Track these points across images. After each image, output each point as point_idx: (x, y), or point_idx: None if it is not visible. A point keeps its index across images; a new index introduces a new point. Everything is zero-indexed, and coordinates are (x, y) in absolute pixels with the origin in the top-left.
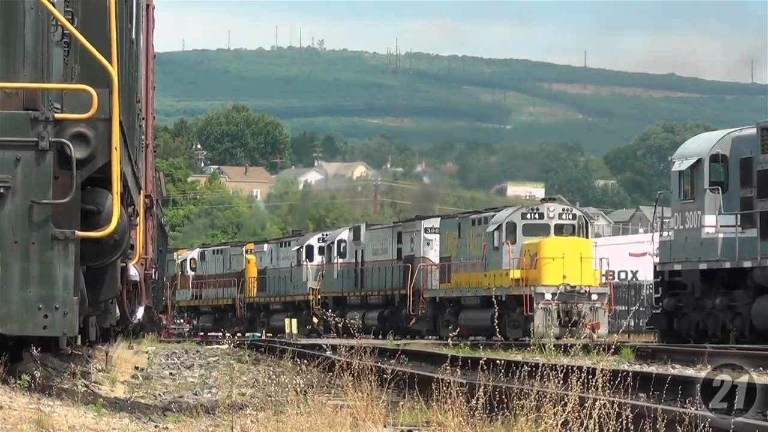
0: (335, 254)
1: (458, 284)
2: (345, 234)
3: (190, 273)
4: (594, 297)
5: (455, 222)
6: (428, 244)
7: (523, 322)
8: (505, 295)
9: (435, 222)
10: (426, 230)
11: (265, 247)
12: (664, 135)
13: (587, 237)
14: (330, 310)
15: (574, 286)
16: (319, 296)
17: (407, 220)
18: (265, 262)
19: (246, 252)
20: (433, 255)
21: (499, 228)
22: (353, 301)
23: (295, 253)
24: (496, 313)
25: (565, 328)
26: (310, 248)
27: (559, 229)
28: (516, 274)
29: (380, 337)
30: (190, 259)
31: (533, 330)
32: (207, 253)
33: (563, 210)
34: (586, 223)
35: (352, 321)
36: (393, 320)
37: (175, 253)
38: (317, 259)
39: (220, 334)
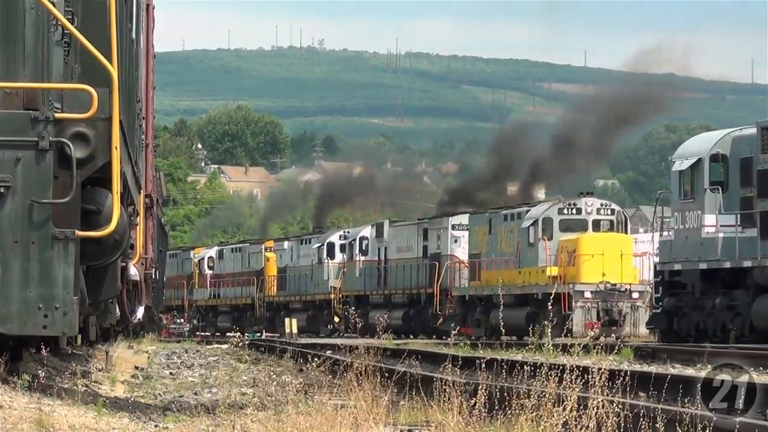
0: (357, 252)
1: (489, 282)
2: (367, 231)
3: (208, 272)
4: (635, 295)
5: (485, 218)
6: (456, 241)
7: (560, 321)
8: (541, 293)
9: (463, 218)
10: (453, 227)
11: (286, 244)
12: (666, 135)
13: (626, 233)
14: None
15: (615, 284)
16: (341, 295)
17: (434, 216)
18: (286, 260)
19: (265, 250)
20: (461, 252)
21: (534, 223)
22: (376, 300)
23: (315, 251)
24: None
25: (605, 328)
26: (331, 246)
27: (597, 225)
28: (553, 271)
29: (402, 337)
30: (208, 258)
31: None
32: (225, 251)
33: (602, 205)
34: (625, 218)
35: (378, 320)
36: (419, 320)
37: (192, 252)
38: (339, 256)
39: (238, 334)
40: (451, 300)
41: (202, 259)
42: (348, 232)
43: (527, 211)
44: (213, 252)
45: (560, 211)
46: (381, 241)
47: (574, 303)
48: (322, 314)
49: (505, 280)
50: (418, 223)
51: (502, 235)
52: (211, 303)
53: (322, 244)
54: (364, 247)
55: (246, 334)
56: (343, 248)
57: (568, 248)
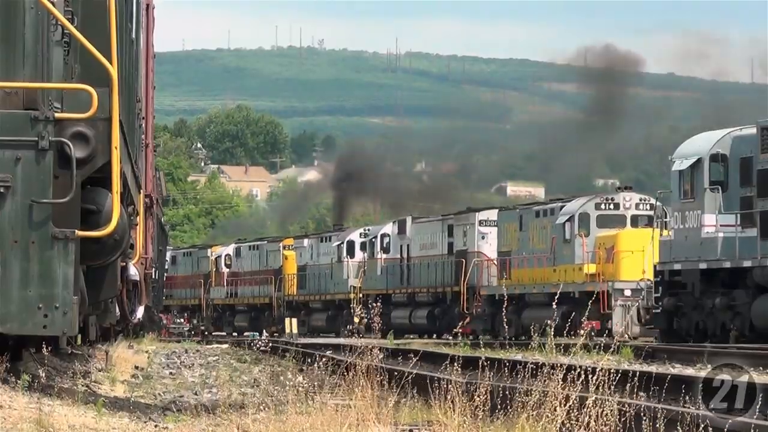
0: (378, 249)
1: (520, 280)
2: (389, 228)
3: (225, 270)
4: None
5: (516, 214)
6: (483, 237)
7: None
8: (578, 291)
9: (491, 214)
10: (480, 223)
11: (305, 242)
12: (667, 135)
13: (666, 228)
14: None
15: None
16: (361, 294)
17: (459, 212)
18: (305, 258)
19: (284, 248)
20: (488, 249)
21: (570, 219)
22: (399, 299)
23: (335, 249)
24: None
25: (645, 327)
26: (351, 244)
27: (636, 221)
28: (590, 268)
29: (425, 336)
30: (225, 255)
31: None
32: (242, 248)
33: (640, 200)
34: (665, 213)
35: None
36: (444, 319)
37: (209, 249)
38: (359, 255)
39: (256, 334)
40: (479, 299)
41: (219, 256)
42: (368, 229)
43: (561, 207)
44: (230, 250)
45: (597, 206)
46: (403, 238)
47: (613, 302)
48: (342, 314)
49: (537, 278)
50: (442, 219)
51: (534, 232)
52: (228, 302)
53: (342, 242)
54: (385, 245)
55: (259, 334)
56: (363, 246)
57: (606, 244)
